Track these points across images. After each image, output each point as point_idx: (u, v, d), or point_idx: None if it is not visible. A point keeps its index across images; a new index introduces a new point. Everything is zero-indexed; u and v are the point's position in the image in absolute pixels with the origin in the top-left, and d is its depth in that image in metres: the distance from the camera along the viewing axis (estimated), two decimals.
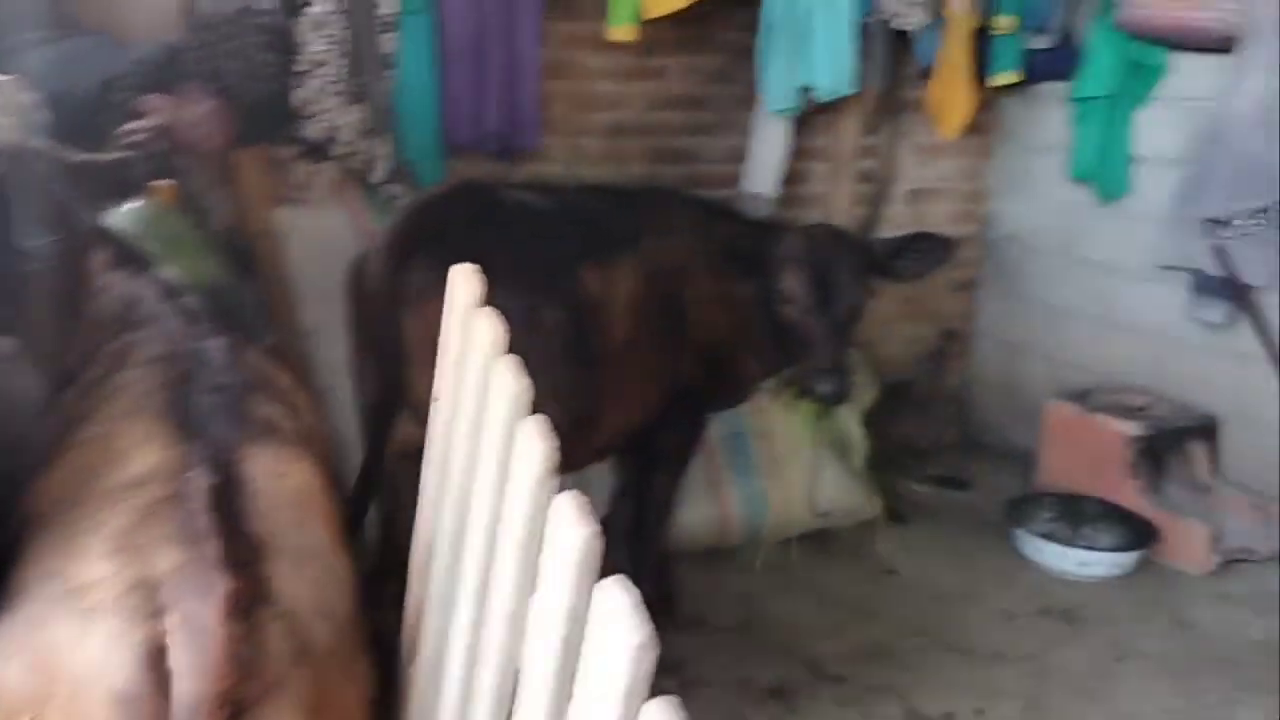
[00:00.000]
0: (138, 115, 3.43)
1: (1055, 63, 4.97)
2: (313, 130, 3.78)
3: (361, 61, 3.72)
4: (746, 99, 4.83)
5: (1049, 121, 5.24)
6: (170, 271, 2.27)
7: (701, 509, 4.19)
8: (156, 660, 1.42)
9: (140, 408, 1.78)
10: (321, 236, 3.73)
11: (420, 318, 2.70)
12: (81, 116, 3.47)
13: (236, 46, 3.62)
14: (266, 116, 3.70)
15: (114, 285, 2.20)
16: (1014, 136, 5.49)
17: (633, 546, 3.53)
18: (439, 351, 2.18)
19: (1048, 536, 4.40)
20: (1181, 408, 4.72)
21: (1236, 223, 4.31)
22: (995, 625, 3.95)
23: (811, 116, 4.91)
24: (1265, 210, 4.27)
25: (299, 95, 3.74)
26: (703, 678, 3.47)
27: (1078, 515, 4.53)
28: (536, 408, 1.75)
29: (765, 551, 4.27)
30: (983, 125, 5.40)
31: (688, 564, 4.09)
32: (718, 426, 4.15)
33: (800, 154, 4.97)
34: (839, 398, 3.30)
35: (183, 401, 1.76)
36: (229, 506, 1.55)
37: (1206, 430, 4.64)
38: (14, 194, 2.31)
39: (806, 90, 4.54)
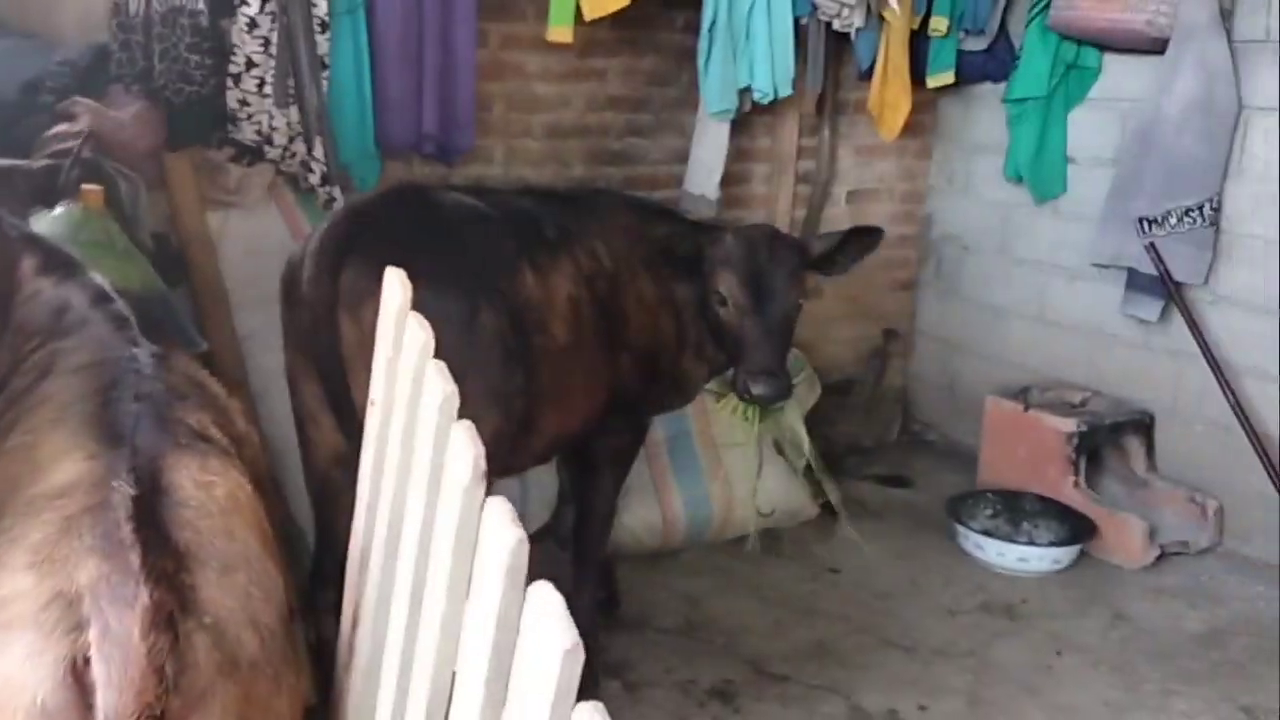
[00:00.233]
0: (65, 118, 3.35)
1: (991, 64, 5.04)
2: (246, 133, 3.71)
3: (295, 63, 3.65)
4: (686, 100, 4.84)
5: (986, 122, 5.31)
6: (99, 277, 2.22)
7: (645, 511, 4.20)
8: (78, 674, 1.39)
9: (65, 416, 1.74)
10: (255, 241, 3.68)
11: (356, 322, 2.67)
12: (6, 120, 3.40)
13: (167, 48, 3.54)
14: (198, 119, 3.62)
15: (42, 291, 2.15)
16: (952, 137, 5.55)
17: (576, 549, 3.51)
18: (374, 355, 2.15)
19: (988, 533, 4.44)
20: (1117, 403, 4.79)
21: (1169, 221, 4.38)
22: (937, 622, 3.98)
23: (752, 118, 4.94)
24: (1196, 208, 4.35)
25: (231, 97, 3.67)
26: (647, 679, 3.47)
27: (1017, 511, 4.58)
28: (477, 410, 1.74)
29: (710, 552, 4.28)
30: (921, 126, 5.46)
31: (631, 566, 4.09)
32: (661, 428, 4.16)
33: (741, 155, 4.99)
34: (776, 399, 3.30)
35: (108, 409, 1.72)
36: (153, 516, 1.52)
37: (1142, 426, 4.72)
38: None
39: (746, 91, 4.56)
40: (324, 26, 3.72)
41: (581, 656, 1.14)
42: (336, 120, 3.82)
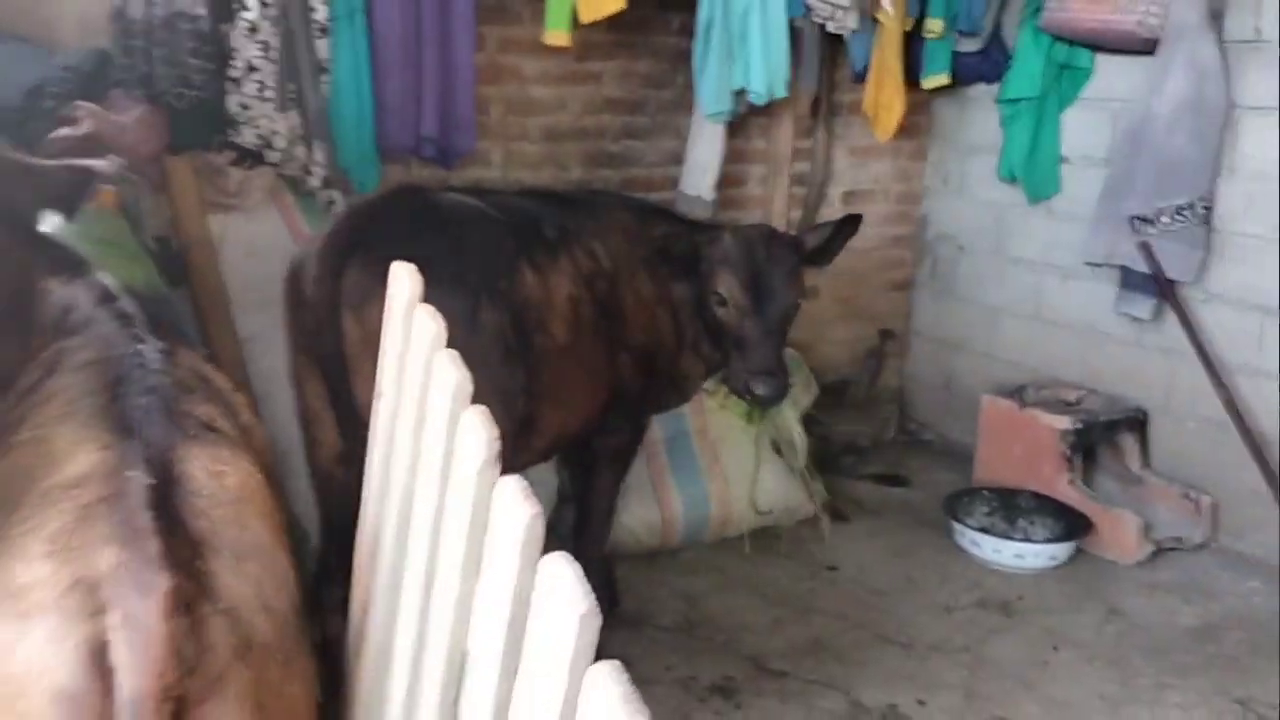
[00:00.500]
0: (67, 122, 3.37)
1: (985, 65, 5.08)
2: (246, 136, 3.73)
3: (295, 67, 3.69)
4: (682, 103, 4.88)
5: (981, 123, 5.35)
6: (106, 276, 2.25)
7: (644, 510, 4.22)
8: (98, 657, 1.42)
9: (74, 411, 1.77)
10: (256, 244, 3.69)
11: (359, 322, 2.70)
12: (8, 124, 3.42)
13: (168, 52, 3.57)
14: (199, 123, 3.65)
15: (51, 292, 2.18)
16: (947, 138, 5.59)
17: (576, 548, 3.54)
18: (380, 351, 2.18)
19: (984, 530, 4.47)
20: (1112, 401, 4.83)
21: (1161, 220, 4.42)
22: (934, 618, 4.01)
23: (747, 120, 4.97)
24: (1188, 207, 4.38)
25: (232, 101, 3.70)
26: (647, 676, 3.49)
27: (1013, 509, 4.61)
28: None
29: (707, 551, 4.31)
30: (916, 127, 5.50)
31: (630, 564, 4.12)
32: (659, 427, 4.19)
33: (736, 157, 5.03)
34: (775, 398, 3.32)
35: (118, 403, 1.75)
36: (167, 505, 1.55)
37: (1136, 423, 4.75)
38: None
39: (741, 94, 4.59)
40: (324, 31, 3.76)
41: (598, 621, 1.17)
42: (336, 124, 3.85)
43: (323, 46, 3.77)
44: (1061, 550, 4.41)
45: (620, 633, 3.66)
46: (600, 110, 4.85)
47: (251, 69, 3.66)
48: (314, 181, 3.81)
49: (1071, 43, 4.79)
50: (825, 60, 4.96)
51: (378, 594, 1.96)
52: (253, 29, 3.63)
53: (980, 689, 3.58)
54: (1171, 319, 4.55)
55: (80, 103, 3.43)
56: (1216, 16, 4.34)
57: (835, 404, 5.33)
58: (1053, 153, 5.04)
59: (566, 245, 3.17)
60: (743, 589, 4.13)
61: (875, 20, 4.73)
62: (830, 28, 4.65)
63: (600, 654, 1.20)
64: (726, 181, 4.92)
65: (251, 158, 3.77)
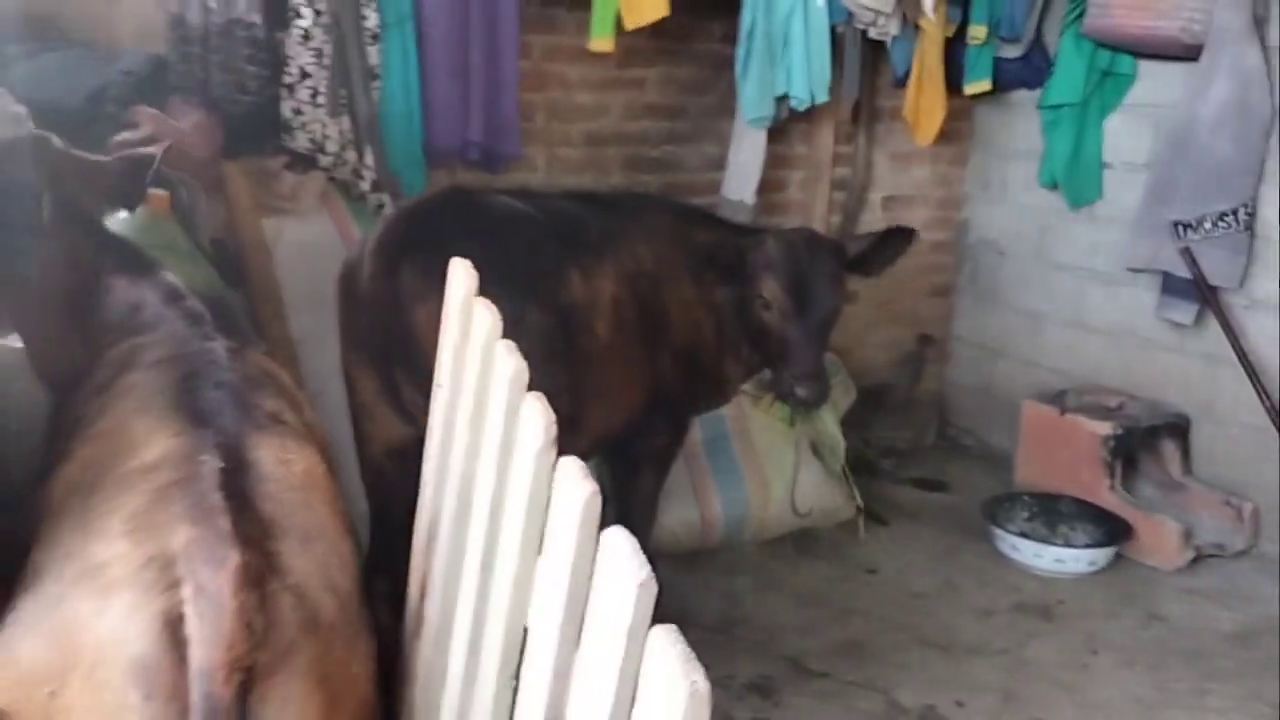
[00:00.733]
0: (128, 126, 3.46)
1: (1026, 71, 5.09)
2: (299, 141, 3.82)
3: (347, 73, 3.77)
4: (723, 108, 4.92)
5: (1022, 129, 5.36)
6: (171, 276, 2.33)
7: (683, 511, 4.26)
8: (173, 629, 1.49)
9: (150, 403, 1.86)
10: (308, 246, 3.77)
11: (413, 321, 2.77)
12: (71, 128, 3.52)
13: (224, 59, 3.66)
14: (254, 128, 3.74)
15: (117, 289, 2.27)
16: (988, 143, 5.60)
17: None
18: (439, 342, 2.25)
19: (1024, 535, 4.48)
20: (1153, 407, 4.82)
21: (1204, 225, 4.41)
22: (973, 621, 4.03)
23: (788, 125, 5.01)
24: (1231, 213, 4.38)
25: (286, 107, 3.79)
26: None
27: (1053, 514, 4.62)
28: None
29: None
30: (957, 133, 5.52)
31: (669, 564, 4.16)
32: (700, 429, 4.23)
33: (777, 162, 5.06)
34: (817, 401, 3.34)
35: (191, 395, 1.83)
36: (238, 488, 1.63)
37: (1178, 429, 4.75)
38: (15, 199, 2.36)
39: (783, 99, 4.63)
40: (375, 38, 3.84)
41: (655, 589, 1.23)
42: (386, 129, 3.93)
43: (373, 53, 3.85)
44: (1101, 556, 4.41)
45: None
46: (642, 116, 4.90)
47: (305, 75, 3.75)
48: (364, 185, 3.89)
49: (1114, 49, 4.80)
50: (867, 66, 4.99)
51: (436, 577, 2.03)
52: (306, 36, 3.72)
53: (1019, 691, 3.60)
54: (1213, 325, 4.54)
55: (140, 107, 3.53)
56: (1260, 23, 4.33)
57: (875, 408, 5.35)
58: (1095, 159, 5.04)
59: (611, 247, 3.21)
60: (782, 590, 4.16)
61: (917, 26, 4.76)
62: (872, 34, 4.69)
63: None
64: (767, 186, 4.97)
65: (304, 162, 3.85)
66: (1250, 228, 4.41)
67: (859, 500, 4.62)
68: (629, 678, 1.25)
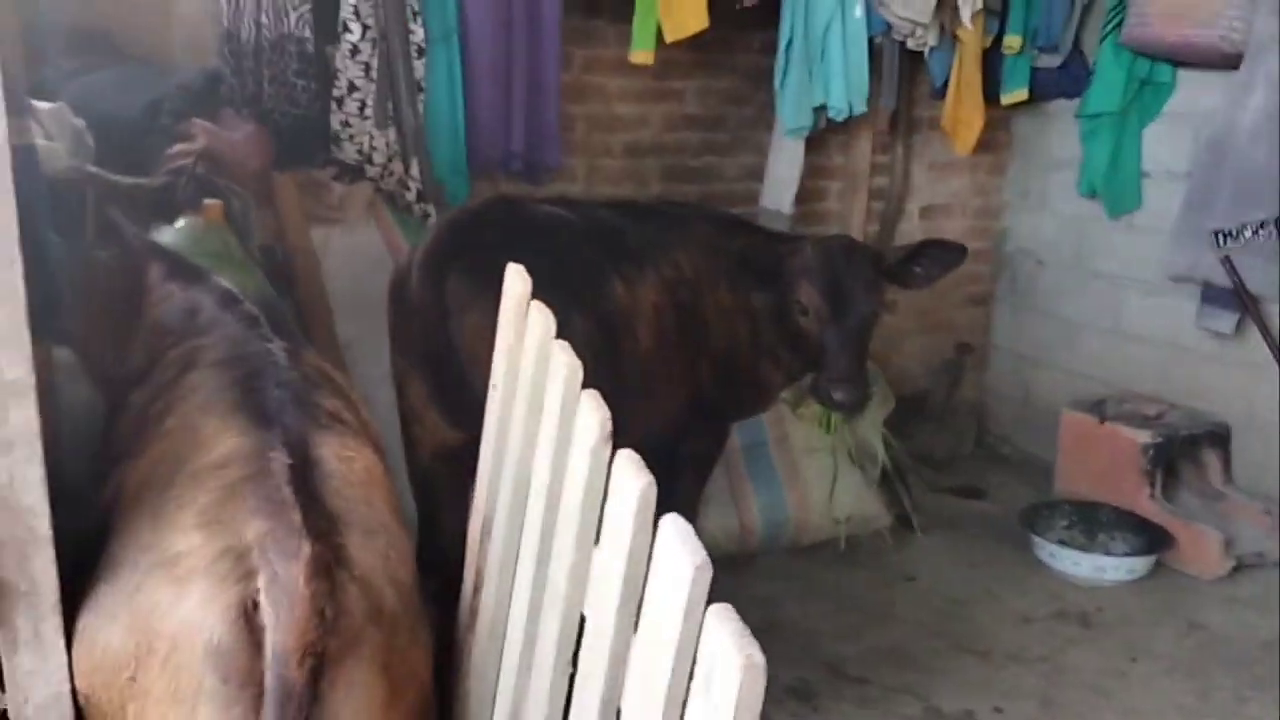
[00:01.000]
0: (182, 139, 3.57)
1: (1064, 80, 5.10)
2: (347, 153, 3.92)
3: (394, 87, 3.86)
4: (762, 119, 4.97)
5: (1060, 138, 5.37)
6: (225, 281, 2.41)
7: (722, 516, 4.31)
8: (248, 617, 1.56)
9: (215, 403, 1.93)
10: (355, 255, 3.86)
11: (460, 327, 2.83)
12: (128, 140, 3.63)
13: (275, 73, 3.76)
14: (303, 140, 3.84)
15: (173, 295, 2.35)
16: (1026, 153, 5.61)
17: None
18: (495, 344, 2.31)
19: (1063, 543, 4.49)
20: (1193, 416, 4.81)
21: (1243, 235, 4.40)
22: (1012, 628, 4.04)
23: (826, 135, 5.05)
24: (1271, 221, 4.37)
25: (334, 119, 3.89)
26: None
27: (1093, 522, 4.62)
28: None
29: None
30: (995, 142, 5.54)
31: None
32: (739, 435, 4.27)
33: (815, 172, 5.11)
34: (856, 406, 3.38)
35: (254, 395, 1.91)
36: (306, 483, 1.70)
37: (1218, 438, 4.74)
38: (67, 214, 2.47)
39: (821, 110, 4.67)
40: (420, 52, 3.92)
41: (710, 571, 1.28)
42: (431, 140, 4.01)
43: (419, 67, 3.93)
44: (1141, 564, 4.40)
45: None
46: (681, 127, 4.96)
47: (353, 88, 3.84)
48: (410, 195, 3.97)
49: (1153, 58, 4.80)
50: (904, 76, 5.03)
51: (490, 571, 2.09)
52: (354, 51, 3.81)
53: (1057, 697, 3.61)
54: (1254, 333, 4.53)
55: (194, 120, 3.63)
56: None
57: (913, 416, 5.37)
58: (1134, 168, 5.04)
59: (652, 255, 3.27)
60: (821, 596, 4.19)
61: (955, 37, 4.79)
62: (910, 44, 4.73)
63: None
64: (805, 197, 5.01)
65: (352, 173, 3.94)
66: None
67: (909, 505, 4.65)
68: (686, 655, 1.30)
